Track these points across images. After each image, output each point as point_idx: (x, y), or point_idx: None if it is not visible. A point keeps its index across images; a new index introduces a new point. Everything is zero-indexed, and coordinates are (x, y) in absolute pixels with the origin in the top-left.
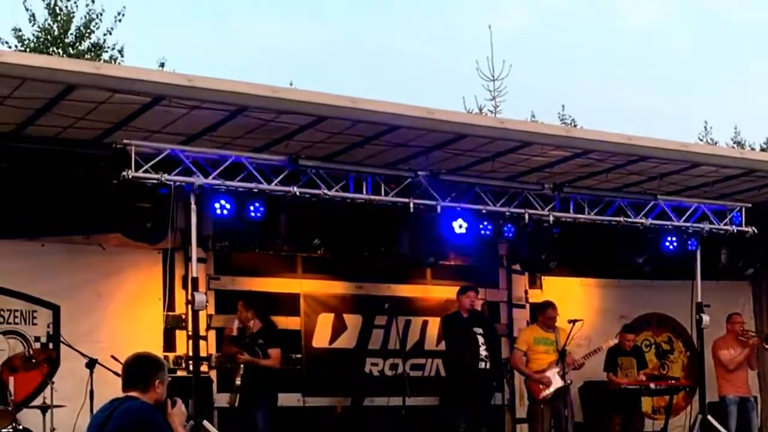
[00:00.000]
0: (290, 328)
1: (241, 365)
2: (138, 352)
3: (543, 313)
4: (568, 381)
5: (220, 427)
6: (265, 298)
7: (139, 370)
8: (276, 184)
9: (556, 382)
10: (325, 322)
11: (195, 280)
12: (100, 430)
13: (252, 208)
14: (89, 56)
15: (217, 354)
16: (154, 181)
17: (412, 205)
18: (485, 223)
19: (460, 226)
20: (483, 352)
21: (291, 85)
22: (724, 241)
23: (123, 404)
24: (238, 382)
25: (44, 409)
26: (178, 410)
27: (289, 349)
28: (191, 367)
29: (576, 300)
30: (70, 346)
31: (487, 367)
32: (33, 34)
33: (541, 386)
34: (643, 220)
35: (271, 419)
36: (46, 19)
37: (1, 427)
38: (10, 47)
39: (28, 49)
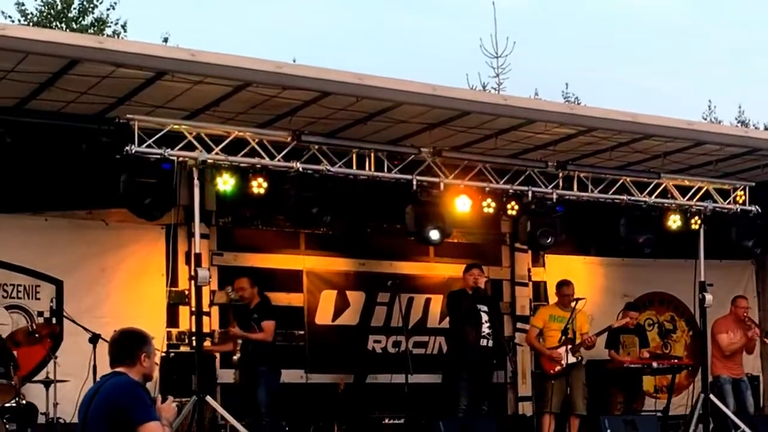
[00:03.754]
0: (293, 305)
1: (239, 341)
2: (123, 328)
3: (559, 291)
4: (579, 358)
5: (224, 402)
6: (267, 274)
7: (124, 345)
8: (279, 160)
9: (568, 359)
10: (327, 299)
11: (198, 256)
12: (88, 406)
13: (255, 183)
14: (92, 31)
15: (219, 330)
16: (157, 157)
17: (415, 182)
18: (488, 200)
19: (463, 204)
20: (486, 329)
21: (294, 61)
22: (727, 220)
23: (109, 380)
24: (235, 358)
25: (48, 383)
26: (168, 406)
27: (291, 325)
28: (194, 343)
29: (579, 278)
30: (73, 321)
31: (490, 344)
32: (36, 8)
33: (552, 362)
34: (646, 199)
35: (274, 395)
36: None
37: (4, 402)
38: (13, 21)
39: (31, 23)
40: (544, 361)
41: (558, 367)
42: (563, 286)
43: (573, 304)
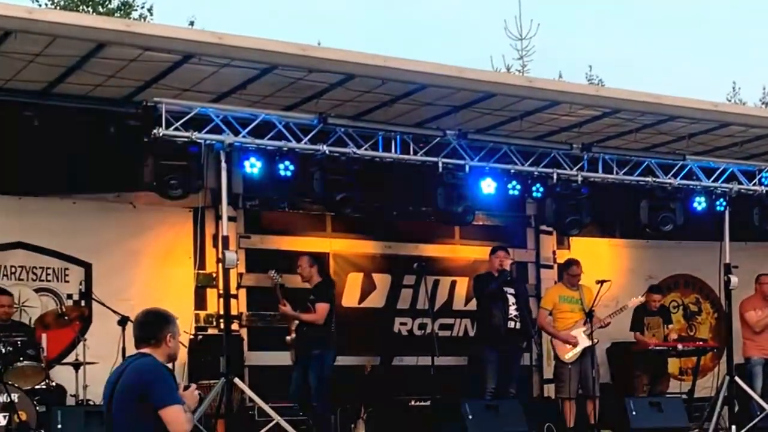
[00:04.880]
0: None
1: (294, 321)
2: (147, 308)
3: (567, 271)
4: (595, 340)
5: (252, 385)
6: (294, 257)
7: (149, 326)
8: (305, 143)
9: (583, 342)
10: (354, 282)
11: (225, 239)
12: (113, 388)
13: (282, 166)
14: (119, 14)
15: (247, 312)
16: (185, 140)
17: (440, 165)
18: (514, 182)
19: (489, 186)
20: (513, 311)
21: (319, 43)
22: (753, 201)
23: (134, 361)
24: (288, 339)
25: (77, 365)
26: (190, 393)
27: None
28: (222, 326)
29: (604, 260)
30: (102, 304)
31: (517, 326)
32: None
33: (567, 346)
34: (671, 181)
35: (324, 379)
36: None
37: (34, 384)
38: (40, 5)
39: (58, 7)
40: (558, 345)
41: (574, 351)
42: (572, 265)
43: (598, 285)
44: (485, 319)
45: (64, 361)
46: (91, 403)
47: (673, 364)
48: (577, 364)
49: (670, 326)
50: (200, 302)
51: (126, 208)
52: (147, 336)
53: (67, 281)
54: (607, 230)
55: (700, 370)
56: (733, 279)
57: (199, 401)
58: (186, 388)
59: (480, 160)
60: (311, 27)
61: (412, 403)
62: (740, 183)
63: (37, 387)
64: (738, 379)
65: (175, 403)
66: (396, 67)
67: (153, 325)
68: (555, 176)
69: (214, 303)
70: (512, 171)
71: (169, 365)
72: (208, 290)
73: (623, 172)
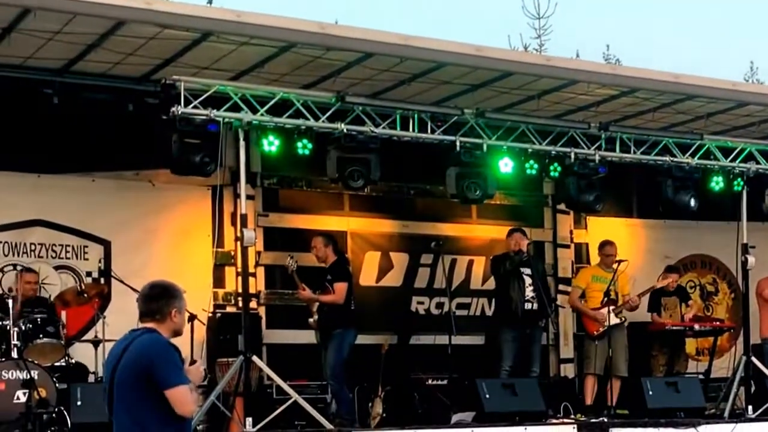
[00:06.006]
0: None
1: (316, 303)
2: (153, 281)
3: (601, 251)
4: (623, 319)
5: (270, 363)
6: (312, 235)
7: (154, 300)
8: (323, 121)
9: (611, 320)
10: (371, 261)
11: (244, 217)
12: (116, 365)
13: (300, 144)
14: None
15: (265, 291)
16: (203, 118)
17: (458, 144)
18: (531, 161)
19: (506, 165)
20: (530, 292)
21: (336, 22)
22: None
23: (138, 338)
24: (311, 321)
25: (96, 343)
26: (195, 370)
27: None
28: (240, 304)
29: (621, 240)
30: (121, 281)
31: (534, 307)
32: None
33: (595, 323)
34: (689, 160)
35: (342, 359)
36: None
37: (53, 361)
38: None
39: None
40: (587, 322)
41: (601, 328)
42: (606, 246)
43: (615, 265)
44: (502, 299)
45: (84, 338)
46: None
47: (689, 344)
48: (603, 341)
49: (691, 301)
50: (219, 280)
51: (145, 186)
52: (152, 311)
53: (86, 259)
54: (625, 210)
55: (716, 350)
56: (750, 259)
57: (204, 378)
58: (191, 363)
59: (497, 139)
60: (328, 6)
61: (429, 381)
62: (758, 163)
63: (56, 364)
64: (754, 359)
65: (181, 383)
66: (414, 45)
67: (158, 300)
68: (573, 155)
69: (232, 281)
70: (530, 150)
71: (175, 342)
72: (227, 268)
73: (641, 151)
